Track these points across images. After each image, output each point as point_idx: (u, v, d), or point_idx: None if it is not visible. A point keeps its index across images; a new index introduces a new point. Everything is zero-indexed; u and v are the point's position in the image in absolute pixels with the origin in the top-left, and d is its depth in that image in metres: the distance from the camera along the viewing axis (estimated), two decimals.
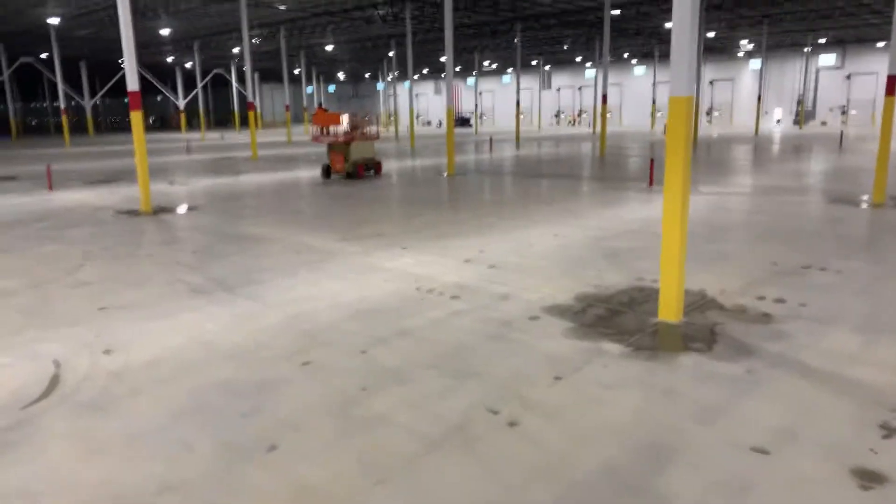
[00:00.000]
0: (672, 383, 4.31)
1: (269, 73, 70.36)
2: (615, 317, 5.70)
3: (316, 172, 18.92)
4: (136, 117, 12.11)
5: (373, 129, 18.37)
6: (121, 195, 14.89)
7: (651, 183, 14.76)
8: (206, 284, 7.01)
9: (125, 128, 66.00)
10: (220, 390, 4.34)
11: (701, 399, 4.07)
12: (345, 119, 17.56)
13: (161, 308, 6.19)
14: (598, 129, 51.36)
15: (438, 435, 3.67)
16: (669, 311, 5.53)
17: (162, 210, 12.60)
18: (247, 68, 25.66)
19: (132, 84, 12.00)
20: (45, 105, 79.82)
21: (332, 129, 17.61)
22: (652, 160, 15.12)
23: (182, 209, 12.73)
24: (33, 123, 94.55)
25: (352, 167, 17.11)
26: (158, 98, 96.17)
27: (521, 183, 16.54)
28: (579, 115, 69.54)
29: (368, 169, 17.95)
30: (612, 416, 3.89)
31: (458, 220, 10.93)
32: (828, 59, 51.94)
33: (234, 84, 56.58)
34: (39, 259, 8.45)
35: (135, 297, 6.59)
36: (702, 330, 5.34)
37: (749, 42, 46.27)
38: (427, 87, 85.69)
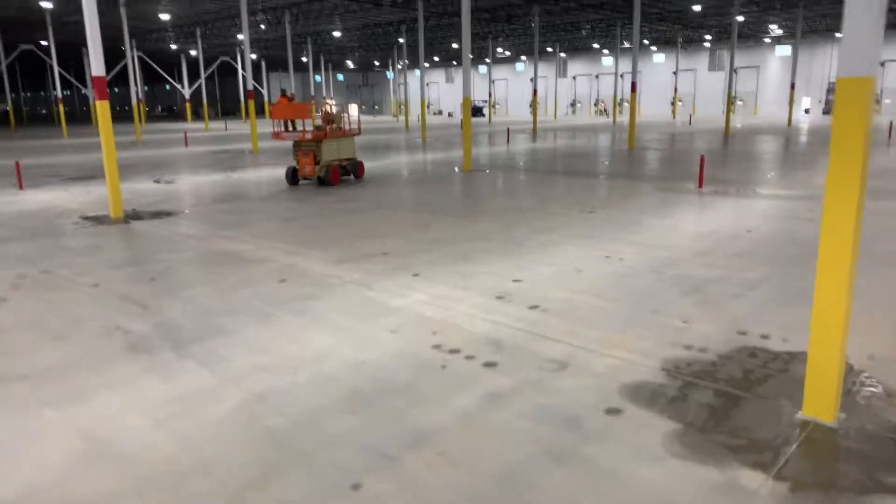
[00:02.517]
0: None
1: (276, 61, 68.48)
2: (735, 409, 3.82)
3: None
4: (103, 108, 10.30)
5: (351, 118, 15.12)
6: (96, 195, 13.12)
7: (701, 184, 12.78)
8: (151, 336, 5.19)
9: (130, 117, 64.44)
10: None
11: None
12: (312, 109, 14.53)
13: (73, 381, 4.37)
14: (620, 118, 49.15)
15: None
16: (822, 404, 3.64)
17: (135, 216, 10.81)
18: (246, 52, 23.79)
19: (97, 69, 10.19)
20: (50, 94, 78.70)
21: (298, 123, 14.72)
22: (702, 157, 13.13)
23: (158, 215, 10.93)
24: (43, 112, 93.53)
25: (323, 170, 13.83)
26: (167, 87, 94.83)
27: (547, 182, 14.61)
28: (596, 104, 67.19)
29: (346, 172, 14.78)
30: None
31: (480, 232, 9.04)
32: None
33: (241, 72, 54.72)
34: None
35: (46, 358, 4.78)
36: (879, 442, 3.46)
37: (779, 27, 43.77)
38: (438, 76, 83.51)
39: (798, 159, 18.76)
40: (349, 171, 14.85)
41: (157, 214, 10.95)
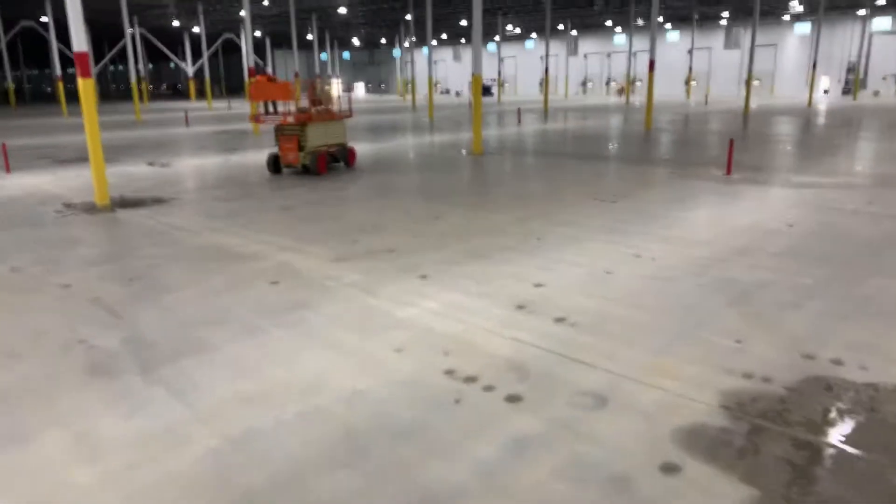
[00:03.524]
0: None
1: (281, 39, 67.24)
2: (822, 469, 3.08)
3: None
4: (86, 86, 9.51)
5: (335, 94, 13.35)
6: (86, 180, 12.38)
7: (729, 171, 11.92)
8: (118, 354, 4.48)
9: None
10: None
11: None
12: (296, 89, 12.87)
13: (17, 415, 3.67)
14: (633, 99, 47.95)
15: None
16: None
17: (123, 203, 10.08)
18: (247, 28, 22.88)
19: (78, 44, 9.39)
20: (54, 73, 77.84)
21: (279, 104, 13.01)
22: (731, 141, 12.24)
23: (147, 202, 10.20)
24: (48, 90, 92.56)
25: (309, 158, 12.40)
26: (172, 65, 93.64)
27: (562, 167, 13.78)
28: (608, 82, 65.77)
29: (336, 160, 13.36)
30: None
31: (494, 225, 8.27)
32: (883, 22, 47.75)
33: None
34: None
35: None
36: None
37: (799, 3, 42.31)
38: (445, 54, 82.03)
39: (827, 142, 17.80)
40: (338, 159, 13.45)
41: (147, 202, 10.22)
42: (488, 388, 3.87)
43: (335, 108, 13.54)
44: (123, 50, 50.98)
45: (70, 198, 10.63)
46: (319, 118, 12.60)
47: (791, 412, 3.57)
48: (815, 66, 34.86)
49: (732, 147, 12.03)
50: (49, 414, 3.68)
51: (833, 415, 3.54)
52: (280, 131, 12.60)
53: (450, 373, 4.09)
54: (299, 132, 12.34)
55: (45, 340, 4.74)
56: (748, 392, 3.79)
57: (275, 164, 12.89)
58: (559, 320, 4.94)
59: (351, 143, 18.70)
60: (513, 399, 3.74)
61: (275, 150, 12.97)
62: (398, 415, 3.60)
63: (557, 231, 7.80)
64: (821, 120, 26.43)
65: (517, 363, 4.21)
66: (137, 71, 63.15)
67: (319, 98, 13.04)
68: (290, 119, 12.15)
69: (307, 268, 6.42)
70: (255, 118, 12.95)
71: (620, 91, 60.49)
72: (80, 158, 15.81)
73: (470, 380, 3.99)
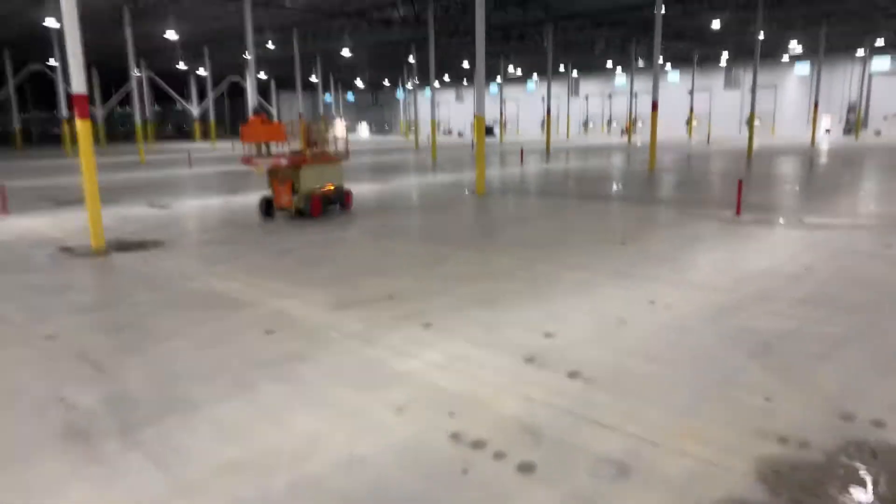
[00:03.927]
0: None
1: (285, 81, 68.20)
2: None
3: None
4: (84, 127, 9.37)
5: (337, 138, 12.92)
6: (83, 222, 12.15)
7: (738, 211, 11.68)
8: (97, 414, 4.15)
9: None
10: None
11: None
12: (289, 130, 12.21)
13: None
14: (635, 139, 48.20)
15: None
16: None
17: (119, 246, 9.84)
18: (249, 70, 23.05)
19: (77, 86, 9.29)
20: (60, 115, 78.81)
21: (273, 146, 12.37)
22: (741, 182, 12.03)
23: (144, 245, 9.96)
24: (55, 132, 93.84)
25: (303, 201, 11.87)
26: (178, 107, 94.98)
27: (568, 208, 13.56)
28: (608, 122, 66.31)
29: (331, 202, 12.80)
30: None
31: (500, 269, 7.99)
32: (882, 63, 48.24)
33: (254, 92, 54.24)
34: None
35: None
36: None
37: (798, 44, 42.82)
38: (448, 95, 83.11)
39: (834, 182, 17.62)
40: (334, 201, 12.87)
41: (144, 245, 9.98)
42: (499, 456, 3.52)
43: (333, 148, 13.07)
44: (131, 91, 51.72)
45: (66, 241, 10.41)
46: (315, 160, 12.11)
47: (834, 484, 3.21)
48: (816, 105, 34.97)
49: (742, 187, 11.81)
50: (13, 484, 3.34)
51: (883, 488, 3.18)
52: (274, 174, 12.11)
53: (456, 437, 3.74)
54: (293, 175, 11.85)
55: (24, 398, 4.41)
56: (785, 460, 3.44)
57: (267, 208, 12.36)
58: (573, 375, 4.61)
59: (353, 184, 18.62)
60: (526, 469, 3.39)
61: (267, 192, 12.59)
62: (399, 488, 3.26)
63: (566, 275, 7.51)
64: (825, 160, 26.35)
65: (529, 425, 3.86)
66: (143, 114, 64.11)
67: (315, 140, 12.59)
68: (284, 161, 11.63)
69: (304, 315, 6.12)
70: (247, 160, 12.26)
71: (625, 131, 59.43)
72: (82, 200, 15.65)
73: (478, 445, 3.64)
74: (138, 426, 3.95)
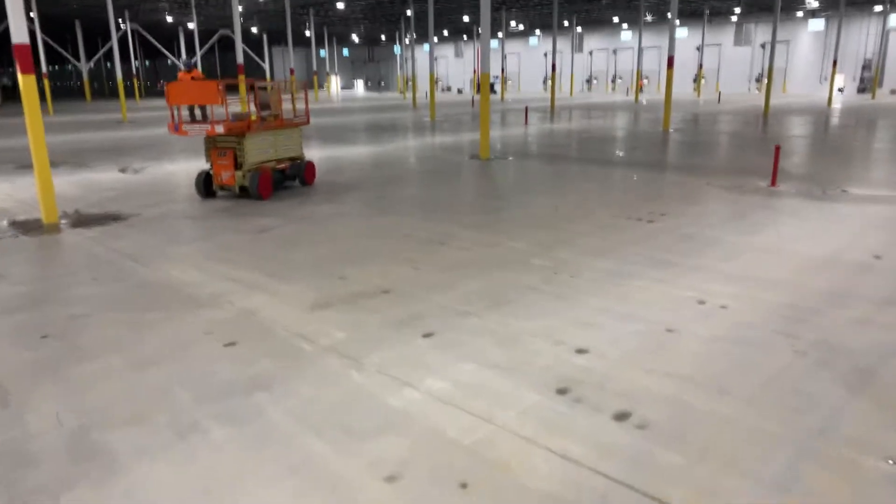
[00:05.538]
0: None
1: (278, 35, 65.71)
2: None
3: (324, 153, 14.51)
4: (27, 83, 8.06)
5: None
6: None
7: (774, 182, 10.43)
8: None
9: (130, 93, 62.12)
10: None
11: None
12: (223, 89, 9.29)
13: None
14: (641, 97, 46.40)
15: None
16: None
17: (76, 221, 8.63)
18: (235, 21, 21.41)
19: (18, 36, 7.94)
20: (76, 67, 76.75)
21: (208, 108, 9.84)
22: (777, 147, 10.73)
23: (104, 220, 8.74)
24: (67, 84, 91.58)
25: (248, 178, 9.65)
26: (169, 62, 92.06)
27: (582, 175, 12.30)
28: (614, 79, 64.14)
29: (289, 177, 10.69)
30: None
31: (513, 254, 6.80)
32: None
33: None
34: None
35: None
36: None
37: None
38: (447, 51, 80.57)
39: (864, 146, 16.31)
40: (292, 176, 10.74)
41: (103, 219, 8.76)
42: None
43: (291, 111, 10.94)
44: (120, 47, 49.51)
45: (18, 213, 9.19)
46: (264, 126, 9.94)
47: None
48: (834, 63, 33.26)
49: (778, 154, 10.52)
50: None
51: None
52: (212, 143, 9.79)
53: None
54: (236, 145, 9.60)
55: None
56: None
57: (206, 185, 10.03)
58: (621, 417, 3.48)
59: (345, 147, 17.27)
60: None
61: (206, 166, 10.27)
62: None
63: (591, 264, 6.33)
64: (847, 120, 24.93)
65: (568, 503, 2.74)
66: (129, 69, 61.74)
67: (267, 102, 10.32)
68: (220, 129, 9.28)
69: (274, 319, 4.96)
70: (174, 127, 9.74)
71: (637, 88, 55.35)
72: (51, 162, 14.32)
73: None
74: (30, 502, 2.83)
